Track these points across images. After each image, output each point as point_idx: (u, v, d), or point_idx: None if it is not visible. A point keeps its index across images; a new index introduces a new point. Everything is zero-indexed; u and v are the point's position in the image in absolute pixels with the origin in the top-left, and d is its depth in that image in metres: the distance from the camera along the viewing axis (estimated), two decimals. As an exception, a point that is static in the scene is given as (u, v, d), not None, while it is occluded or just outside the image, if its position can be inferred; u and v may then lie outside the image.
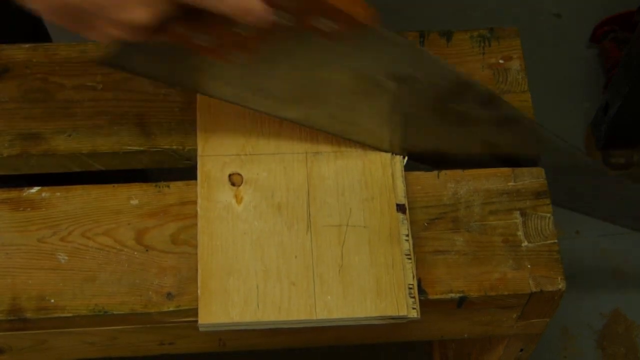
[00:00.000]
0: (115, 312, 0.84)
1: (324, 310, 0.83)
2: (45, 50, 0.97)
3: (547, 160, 0.93)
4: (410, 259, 0.86)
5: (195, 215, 0.87)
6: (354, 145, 0.91)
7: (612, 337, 1.58)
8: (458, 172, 0.92)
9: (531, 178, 0.93)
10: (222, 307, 0.83)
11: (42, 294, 0.85)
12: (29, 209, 0.89)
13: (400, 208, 0.88)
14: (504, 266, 0.88)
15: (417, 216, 0.90)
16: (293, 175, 0.90)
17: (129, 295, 0.85)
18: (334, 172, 0.90)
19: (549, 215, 0.91)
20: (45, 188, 0.90)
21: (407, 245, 0.87)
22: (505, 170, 0.93)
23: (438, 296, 0.86)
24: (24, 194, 0.89)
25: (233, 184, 0.89)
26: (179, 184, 0.91)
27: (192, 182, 0.90)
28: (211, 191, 0.88)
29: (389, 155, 0.91)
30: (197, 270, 0.84)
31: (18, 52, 0.97)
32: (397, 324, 0.84)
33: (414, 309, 0.84)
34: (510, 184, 0.92)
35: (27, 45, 0.98)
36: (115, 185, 0.90)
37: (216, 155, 0.90)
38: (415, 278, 0.85)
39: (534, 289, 0.87)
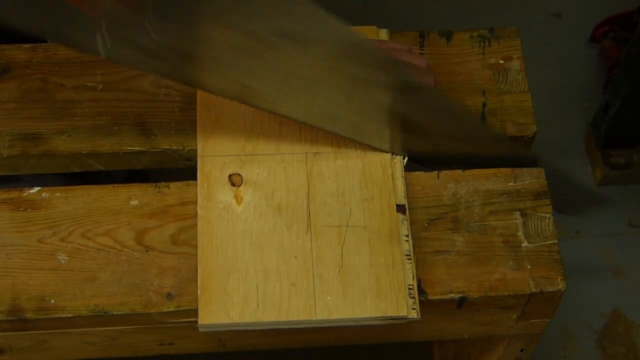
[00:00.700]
0: (115, 313, 0.84)
1: (323, 311, 0.83)
2: (45, 51, 0.97)
3: (453, 132, 0.91)
4: (410, 259, 0.86)
5: (195, 216, 0.87)
6: (353, 146, 0.91)
7: (612, 337, 1.58)
8: (458, 173, 0.92)
9: (531, 178, 0.92)
10: (222, 307, 0.83)
11: (42, 294, 0.85)
12: (29, 209, 0.89)
13: (400, 208, 0.88)
14: (504, 267, 0.88)
15: (417, 216, 0.90)
16: (293, 175, 0.90)
17: (129, 296, 0.85)
18: (333, 173, 0.90)
19: (549, 215, 0.91)
20: (46, 188, 0.90)
21: (407, 246, 0.87)
22: (506, 170, 0.93)
23: (438, 296, 0.86)
24: (24, 194, 0.89)
25: (233, 184, 0.89)
26: (179, 184, 0.91)
27: (192, 182, 0.90)
28: (211, 191, 0.88)
29: (388, 155, 0.91)
30: (197, 270, 0.84)
31: (18, 52, 0.97)
32: (397, 324, 0.84)
33: (413, 309, 0.84)
34: (510, 184, 0.92)
35: (27, 45, 0.98)
36: (115, 185, 0.90)
37: (216, 155, 0.90)
38: (415, 278, 0.85)
39: (533, 290, 0.87)
